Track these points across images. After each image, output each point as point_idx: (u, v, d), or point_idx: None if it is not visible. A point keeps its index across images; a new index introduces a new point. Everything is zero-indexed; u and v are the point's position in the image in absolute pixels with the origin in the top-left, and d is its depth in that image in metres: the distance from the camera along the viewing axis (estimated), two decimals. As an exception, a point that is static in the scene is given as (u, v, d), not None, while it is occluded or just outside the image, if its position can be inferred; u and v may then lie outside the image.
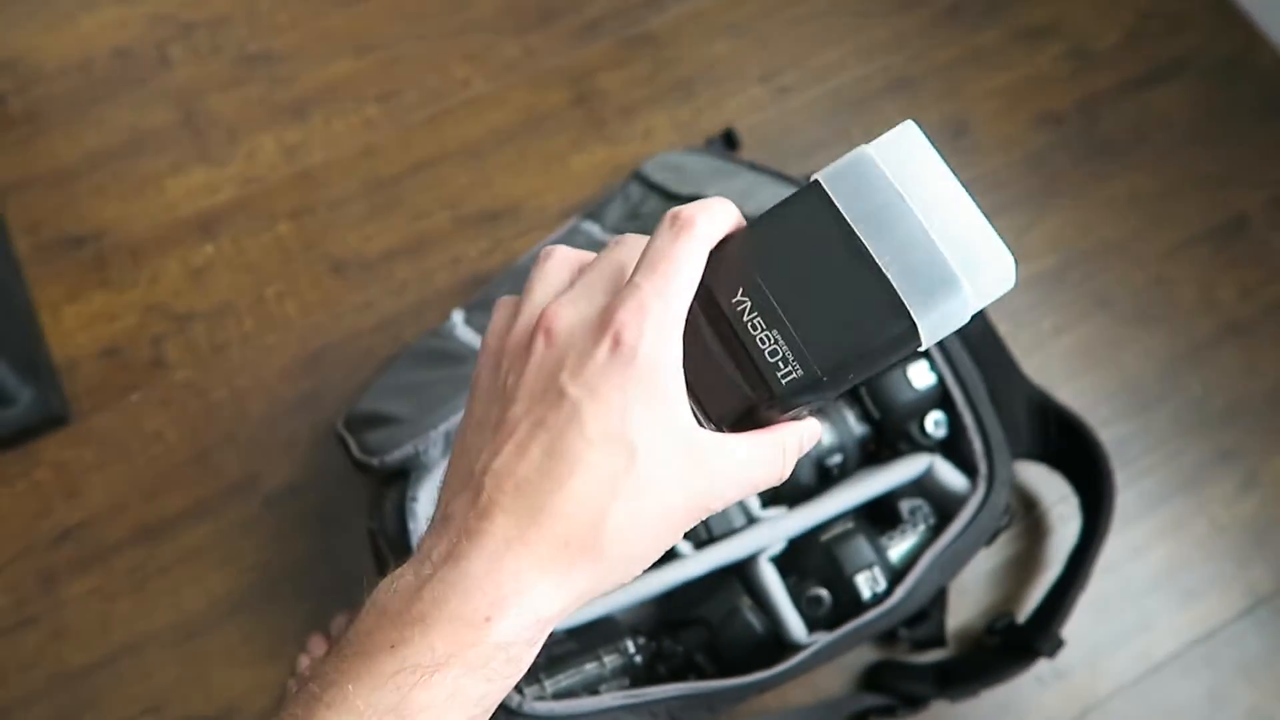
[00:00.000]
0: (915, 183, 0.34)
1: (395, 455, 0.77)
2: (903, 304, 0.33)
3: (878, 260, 0.33)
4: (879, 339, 0.33)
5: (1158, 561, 0.89)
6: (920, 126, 0.35)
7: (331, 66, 1.06)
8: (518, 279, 0.93)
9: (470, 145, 1.04)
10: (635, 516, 0.31)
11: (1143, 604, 0.88)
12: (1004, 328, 0.89)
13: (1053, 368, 0.96)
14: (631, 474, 0.30)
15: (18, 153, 1.01)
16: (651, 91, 1.07)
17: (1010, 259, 0.33)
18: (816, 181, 0.35)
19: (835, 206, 0.34)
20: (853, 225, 0.34)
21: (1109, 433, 0.91)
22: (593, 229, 0.96)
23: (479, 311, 0.90)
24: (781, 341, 0.34)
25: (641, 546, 0.31)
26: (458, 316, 0.90)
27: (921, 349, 0.34)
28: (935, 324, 0.33)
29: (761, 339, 0.34)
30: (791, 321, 0.34)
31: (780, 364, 0.34)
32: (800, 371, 0.34)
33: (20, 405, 0.87)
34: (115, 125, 1.03)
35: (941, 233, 0.33)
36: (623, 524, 0.30)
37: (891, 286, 0.33)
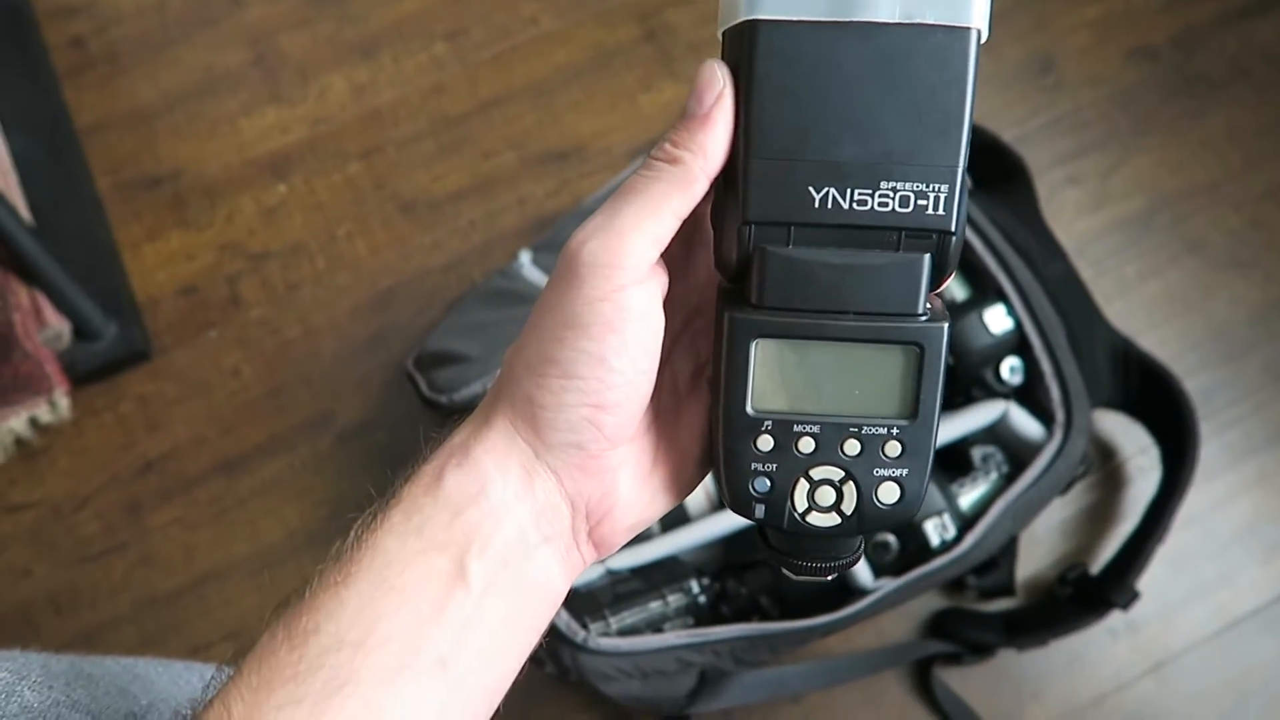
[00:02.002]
0: None
1: (464, 393, 0.78)
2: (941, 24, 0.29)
3: (888, 20, 0.29)
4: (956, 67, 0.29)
5: (1241, 515, 0.86)
6: None
7: (399, 5, 1.06)
8: (584, 220, 0.92)
9: (537, 84, 1.03)
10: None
11: (1223, 558, 0.85)
12: (1087, 273, 0.86)
13: (1137, 314, 0.92)
14: None
15: (98, 93, 1.03)
16: (722, 27, 1.04)
17: None
18: (751, 22, 0.29)
19: (794, 22, 0.29)
20: (829, 19, 0.29)
21: (1194, 382, 0.88)
22: (660, 169, 0.95)
23: (546, 252, 0.90)
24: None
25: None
26: (525, 256, 0.90)
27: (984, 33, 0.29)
28: (982, 6, 0.29)
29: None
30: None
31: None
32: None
33: (106, 340, 0.90)
34: (190, 66, 1.04)
35: None
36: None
37: (925, 24, 0.29)
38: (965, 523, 0.76)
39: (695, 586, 0.77)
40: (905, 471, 0.31)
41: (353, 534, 0.31)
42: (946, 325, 0.31)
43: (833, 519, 0.32)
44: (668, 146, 0.30)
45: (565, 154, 1.00)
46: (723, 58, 0.30)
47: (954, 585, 0.83)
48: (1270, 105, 1.00)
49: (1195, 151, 0.99)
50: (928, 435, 0.31)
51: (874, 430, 0.31)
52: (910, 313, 0.30)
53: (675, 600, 0.75)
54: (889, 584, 0.74)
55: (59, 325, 0.88)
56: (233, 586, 0.86)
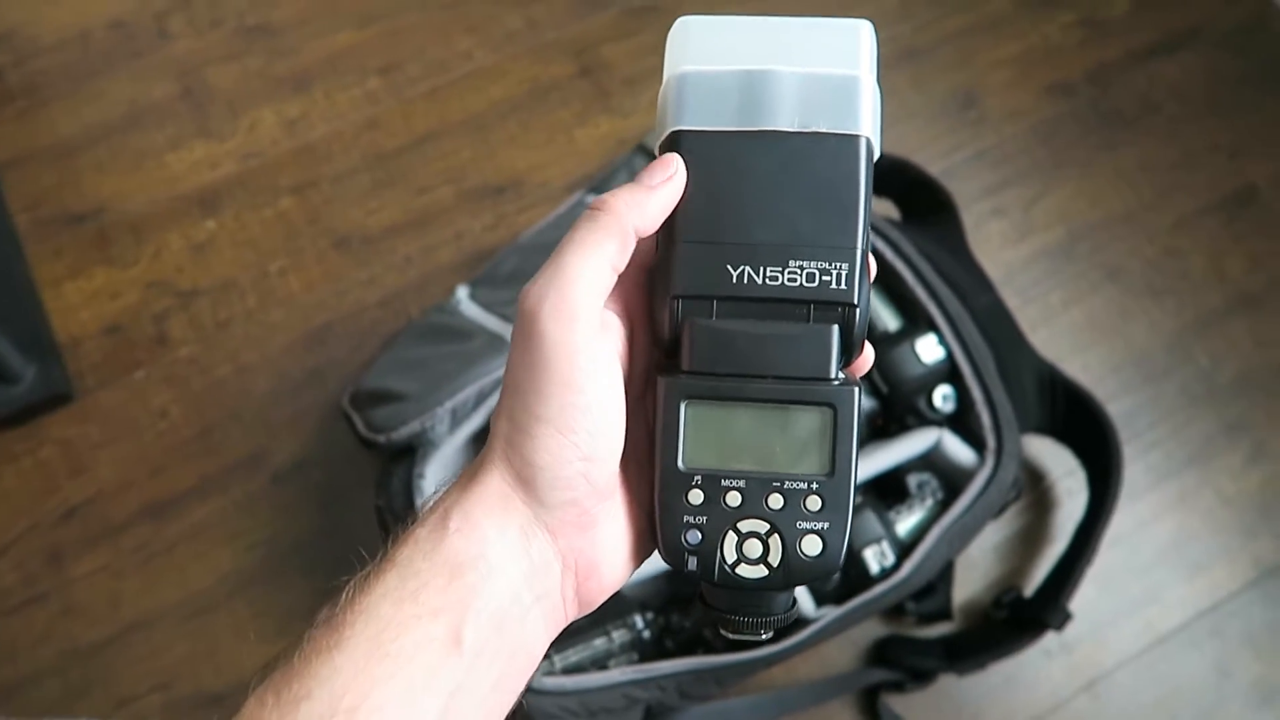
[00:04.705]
0: (731, 52, 0.34)
1: (402, 432, 0.77)
2: (839, 133, 0.33)
3: (786, 130, 0.33)
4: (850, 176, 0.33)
5: (1164, 534, 0.89)
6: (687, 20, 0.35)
7: (332, 38, 1.05)
8: (521, 254, 0.92)
9: (473, 118, 1.03)
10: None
11: (1149, 576, 0.88)
12: (1013, 302, 0.88)
13: (1061, 341, 0.95)
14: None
15: (16, 127, 1.00)
16: (657, 62, 1.04)
17: (858, 20, 0.34)
18: (676, 132, 0.34)
19: (711, 132, 0.34)
20: (739, 129, 0.33)
21: (1117, 406, 0.91)
22: (597, 203, 0.95)
23: (483, 287, 0.90)
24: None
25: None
26: (462, 292, 0.89)
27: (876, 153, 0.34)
28: (869, 120, 0.34)
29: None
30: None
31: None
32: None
33: (24, 383, 0.87)
34: (114, 99, 1.02)
35: (799, 59, 0.33)
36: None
37: (820, 132, 0.33)
38: (903, 549, 0.77)
39: (640, 622, 0.76)
40: (826, 525, 0.33)
41: (344, 596, 0.31)
42: (858, 389, 0.33)
43: (760, 571, 0.33)
44: (606, 197, 0.32)
45: (502, 188, 1.00)
46: None
47: (894, 611, 0.84)
48: (1179, 139, 1.05)
49: (1111, 183, 1.03)
50: (845, 491, 0.33)
51: (795, 485, 0.33)
52: (823, 377, 0.33)
53: (620, 636, 0.75)
54: (831, 612, 0.75)
55: (-26, 368, 0.85)
56: (161, 635, 0.83)
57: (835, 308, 0.33)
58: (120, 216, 0.97)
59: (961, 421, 0.81)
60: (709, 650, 0.76)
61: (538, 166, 1.01)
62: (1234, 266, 1.00)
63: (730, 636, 0.35)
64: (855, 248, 0.33)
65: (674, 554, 0.34)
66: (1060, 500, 0.90)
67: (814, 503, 0.33)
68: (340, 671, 0.29)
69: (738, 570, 0.33)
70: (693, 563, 0.33)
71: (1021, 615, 0.81)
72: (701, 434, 0.33)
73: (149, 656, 0.83)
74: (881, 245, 0.84)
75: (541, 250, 0.92)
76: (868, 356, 0.35)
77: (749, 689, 0.79)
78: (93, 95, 1.02)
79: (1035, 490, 0.90)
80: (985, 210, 1.00)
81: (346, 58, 1.04)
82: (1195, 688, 0.85)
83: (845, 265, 0.33)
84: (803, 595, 0.76)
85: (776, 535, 0.33)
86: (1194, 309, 0.98)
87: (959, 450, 0.79)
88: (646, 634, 0.76)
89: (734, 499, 0.33)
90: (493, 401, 0.77)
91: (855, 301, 0.33)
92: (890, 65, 1.06)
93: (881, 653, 0.83)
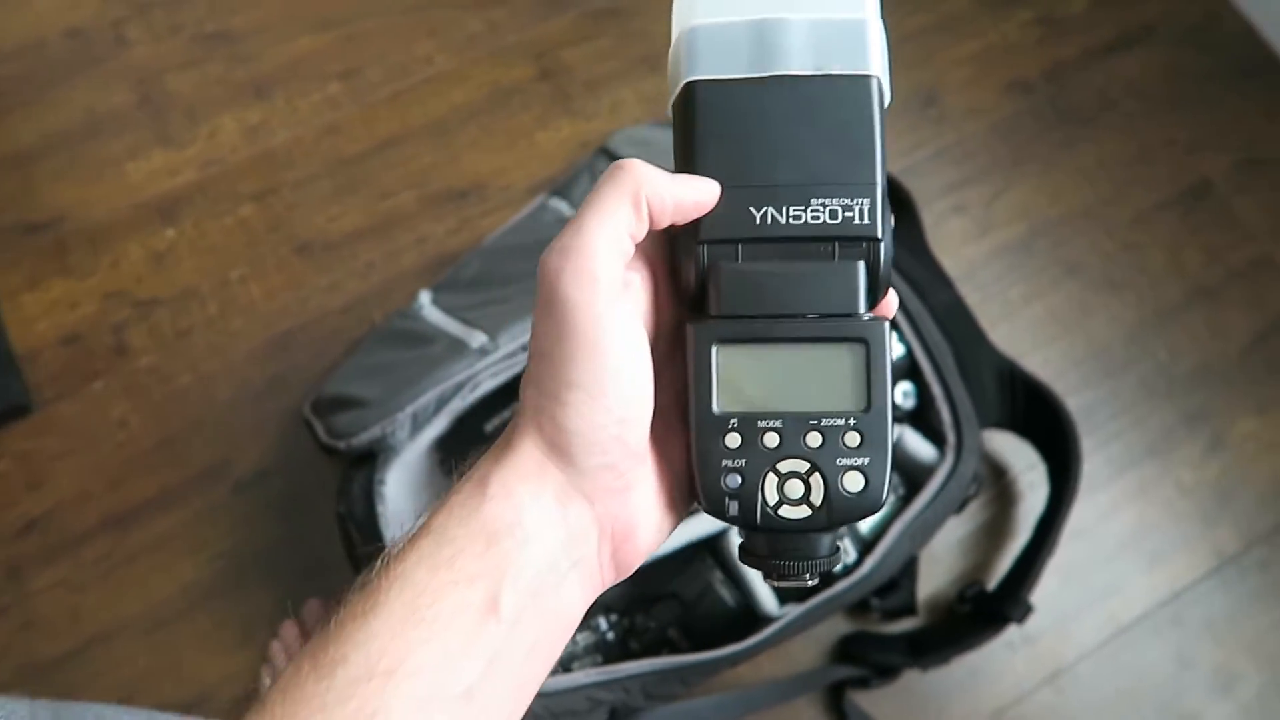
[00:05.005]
0: (736, 4, 0.34)
1: (363, 438, 0.77)
2: (849, 74, 0.34)
3: (799, 73, 0.34)
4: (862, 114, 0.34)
5: (1125, 525, 0.90)
6: None
7: (292, 44, 1.05)
8: (485, 258, 0.92)
9: (435, 123, 1.02)
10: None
11: (1110, 568, 0.89)
12: (973, 298, 0.89)
13: (1021, 336, 0.96)
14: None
15: (-29, 138, 0.99)
16: (617, 65, 1.06)
17: None
18: (690, 83, 0.34)
19: (725, 80, 0.34)
20: (749, 75, 0.34)
21: (1076, 399, 0.92)
22: (560, 206, 0.96)
23: (446, 292, 0.90)
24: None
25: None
26: (425, 297, 0.89)
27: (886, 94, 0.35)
28: (879, 60, 0.34)
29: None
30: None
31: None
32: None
33: (-20, 395, 0.86)
34: (72, 107, 1.01)
35: (805, 5, 0.34)
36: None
37: (832, 74, 0.34)
38: (865, 546, 0.77)
39: (603, 623, 0.76)
40: (867, 460, 0.33)
41: (379, 562, 0.31)
42: (887, 323, 0.34)
43: (803, 511, 0.33)
44: (629, 159, 0.32)
45: (465, 192, 1.00)
46: (674, 125, 0.35)
47: (858, 608, 0.84)
48: (1136, 135, 1.06)
49: (1071, 179, 1.04)
50: (883, 424, 0.33)
51: (833, 422, 0.33)
52: (852, 313, 0.33)
53: (583, 638, 0.75)
54: (794, 610, 0.75)
55: (-71, 381, 0.84)
56: (123, 648, 0.83)
57: (860, 243, 0.33)
58: (79, 226, 0.96)
59: (922, 418, 0.81)
60: (673, 651, 0.77)
61: (500, 170, 1.01)
62: (1191, 260, 1.01)
63: (775, 584, 0.35)
64: (875, 183, 0.33)
65: (714, 500, 0.33)
66: (1022, 494, 0.90)
67: (853, 438, 0.33)
68: (376, 636, 0.29)
69: (779, 512, 0.33)
70: (733, 508, 0.33)
71: (984, 609, 0.82)
72: (734, 377, 0.33)
73: (110, 670, 0.82)
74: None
75: (505, 254, 0.92)
76: (892, 298, 0.35)
77: (714, 688, 0.80)
78: (50, 104, 1.01)
79: (997, 485, 0.91)
80: (946, 207, 1.01)
81: (307, 63, 1.04)
82: (1157, 677, 0.86)
83: (867, 200, 0.33)
84: (766, 594, 0.76)
85: (818, 474, 0.33)
86: (1153, 302, 0.99)
87: (919, 446, 0.80)
88: (610, 635, 0.76)
89: (772, 440, 0.33)
90: (454, 406, 0.77)
91: (879, 235, 0.33)
92: (850, 65, 1.07)
93: (846, 649, 0.83)
